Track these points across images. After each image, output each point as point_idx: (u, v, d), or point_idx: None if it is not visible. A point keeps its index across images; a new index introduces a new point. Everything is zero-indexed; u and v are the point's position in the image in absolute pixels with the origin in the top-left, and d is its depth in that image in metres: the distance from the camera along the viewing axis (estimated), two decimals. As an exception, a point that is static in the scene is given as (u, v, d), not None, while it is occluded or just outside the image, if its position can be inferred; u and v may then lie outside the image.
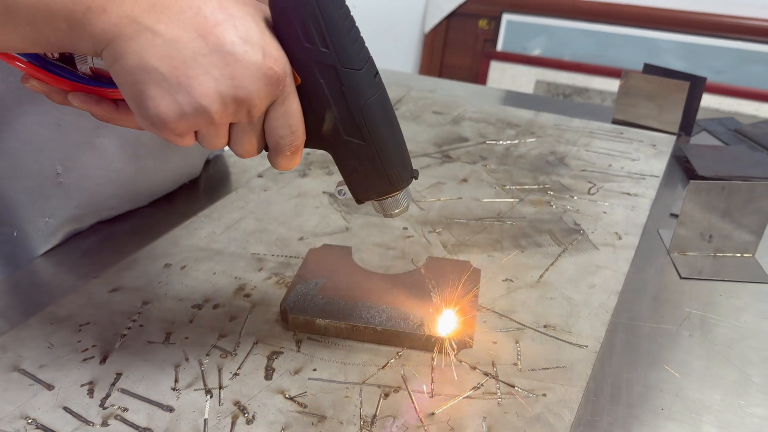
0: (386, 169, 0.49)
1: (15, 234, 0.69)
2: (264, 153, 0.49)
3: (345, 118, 0.46)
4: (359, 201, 0.52)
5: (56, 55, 0.47)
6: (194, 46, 0.40)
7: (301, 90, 0.45)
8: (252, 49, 0.41)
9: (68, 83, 0.46)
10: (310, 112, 0.46)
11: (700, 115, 1.07)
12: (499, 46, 2.55)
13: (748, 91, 2.18)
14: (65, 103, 0.47)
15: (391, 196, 0.51)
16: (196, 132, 0.45)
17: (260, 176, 0.87)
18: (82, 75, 0.46)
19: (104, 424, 0.50)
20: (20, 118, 0.63)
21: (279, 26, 0.44)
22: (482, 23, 2.57)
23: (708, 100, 2.21)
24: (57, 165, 0.67)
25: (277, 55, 0.43)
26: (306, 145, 0.48)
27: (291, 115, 0.45)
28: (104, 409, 0.51)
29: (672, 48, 2.31)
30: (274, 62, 0.42)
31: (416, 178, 0.52)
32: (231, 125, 0.45)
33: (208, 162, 0.94)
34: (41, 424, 0.49)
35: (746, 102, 2.18)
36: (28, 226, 0.69)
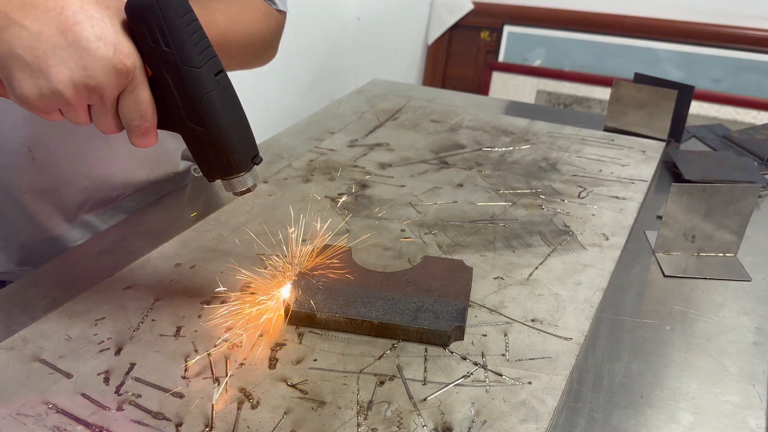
0: (226, 154, 0.56)
1: None
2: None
3: (187, 107, 0.53)
4: (209, 179, 0.59)
5: None
6: (55, 40, 0.48)
7: (152, 81, 0.53)
8: (104, 45, 0.48)
9: None
10: (160, 100, 0.53)
11: (697, 123, 1.11)
12: (501, 57, 2.60)
13: (746, 99, 2.21)
14: None
15: (236, 177, 0.58)
16: (61, 111, 0.52)
17: (265, 182, 0.92)
18: None
19: (119, 409, 0.54)
20: None
21: (132, 28, 0.51)
22: (484, 35, 2.62)
23: (707, 109, 2.25)
24: (28, 143, 0.74)
25: (127, 51, 0.50)
26: (160, 127, 0.55)
27: (140, 101, 0.52)
28: (119, 395, 0.55)
29: (670, 57, 2.35)
30: (125, 57, 0.49)
31: (257, 164, 0.59)
32: (90, 106, 0.53)
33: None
34: (61, 409, 0.53)
35: (744, 110, 2.21)
36: (7, 199, 0.76)
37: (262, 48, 0.83)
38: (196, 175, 0.60)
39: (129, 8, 0.50)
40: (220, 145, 0.55)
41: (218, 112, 0.54)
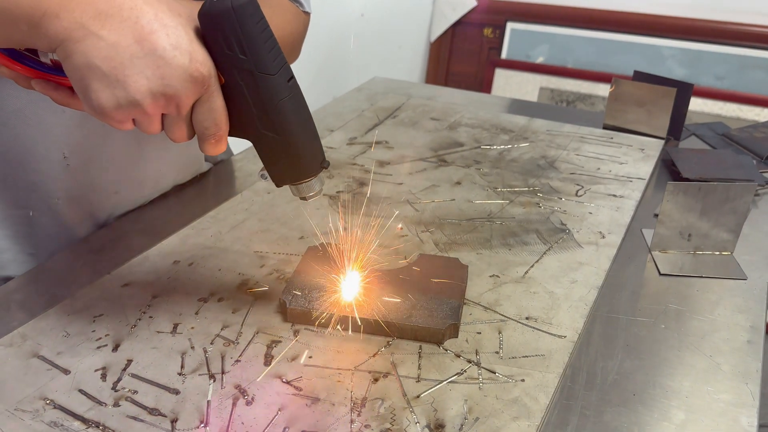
0: (297, 160, 0.56)
1: (31, 214, 0.76)
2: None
3: (261, 114, 0.53)
4: (278, 185, 0.59)
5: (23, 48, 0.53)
6: (131, 50, 0.47)
7: (225, 89, 0.52)
8: (180, 54, 0.48)
9: (32, 71, 0.53)
10: (233, 107, 0.53)
11: (700, 120, 1.11)
12: (504, 54, 2.59)
13: (750, 96, 2.21)
14: (30, 88, 0.54)
15: (305, 182, 0.58)
16: (134, 119, 0.52)
17: (265, 179, 0.92)
18: (45, 65, 0.53)
19: (116, 404, 0.54)
20: (29, 106, 0.70)
21: (206, 36, 0.51)
22: (487, 32, 2.62)
23: (710, 106, 2.24)
24: (63, 149, 0.74)
25: (202, 60, 0.49)
26: (231, 135, 0.55)
27: (214, 109, 0.52)
28: (116, 391, 0.56)
29: (674, 54, 2.34)
30: (200, 65, 0.49)
31: (326, 168, 0.59)
32: (163, 115, 0.52)
33: (215, 164, 1.00)
34: (58, 405, 0.54)
35: (747, 107, 2.21)
36: (41, 205, 0.76)
37: (290, 50, 0.83)
38: (264, 179, 0.60)
39: (204, 15, 0.49)
40: (291, 150, 0.55)
41: (291, 119, 0.53)
